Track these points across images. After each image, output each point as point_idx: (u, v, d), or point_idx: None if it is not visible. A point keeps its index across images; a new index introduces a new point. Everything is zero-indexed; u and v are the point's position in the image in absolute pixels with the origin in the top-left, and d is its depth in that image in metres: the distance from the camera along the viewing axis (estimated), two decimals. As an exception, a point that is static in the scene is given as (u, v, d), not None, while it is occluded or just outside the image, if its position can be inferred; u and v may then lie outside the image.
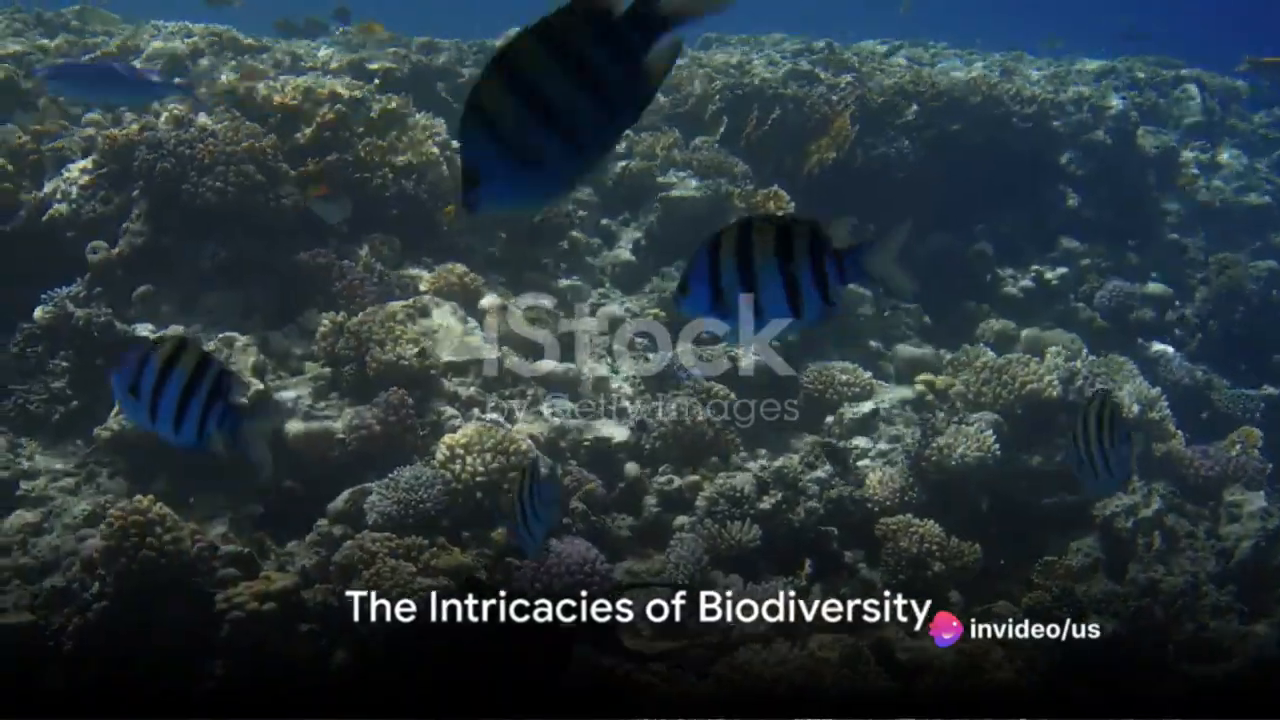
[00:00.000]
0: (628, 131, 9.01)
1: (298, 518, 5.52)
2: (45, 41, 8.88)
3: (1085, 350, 8.55)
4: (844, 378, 7.22)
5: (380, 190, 7.02)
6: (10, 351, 6.28)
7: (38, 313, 6.19)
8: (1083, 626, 5.46)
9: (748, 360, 7.25)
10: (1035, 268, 10.17)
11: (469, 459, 5.27)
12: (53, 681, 4.83)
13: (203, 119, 6.33)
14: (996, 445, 6.20)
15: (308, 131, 6.90)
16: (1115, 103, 11.29)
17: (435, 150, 7.31)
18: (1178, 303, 10.27)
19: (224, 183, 6.15)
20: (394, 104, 7.29)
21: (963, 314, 9.38)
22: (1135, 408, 6.62)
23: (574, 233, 7.91)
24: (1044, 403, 6.56)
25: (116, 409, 5.56)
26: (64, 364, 6.12)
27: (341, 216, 6.41)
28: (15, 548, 5.27)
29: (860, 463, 6.31)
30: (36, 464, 5.83)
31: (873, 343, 8.34)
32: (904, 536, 5.61)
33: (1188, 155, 12.30)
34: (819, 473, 5.99)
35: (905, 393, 7.17)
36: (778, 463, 5.96)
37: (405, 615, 4.56)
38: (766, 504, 5.60)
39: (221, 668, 4.77)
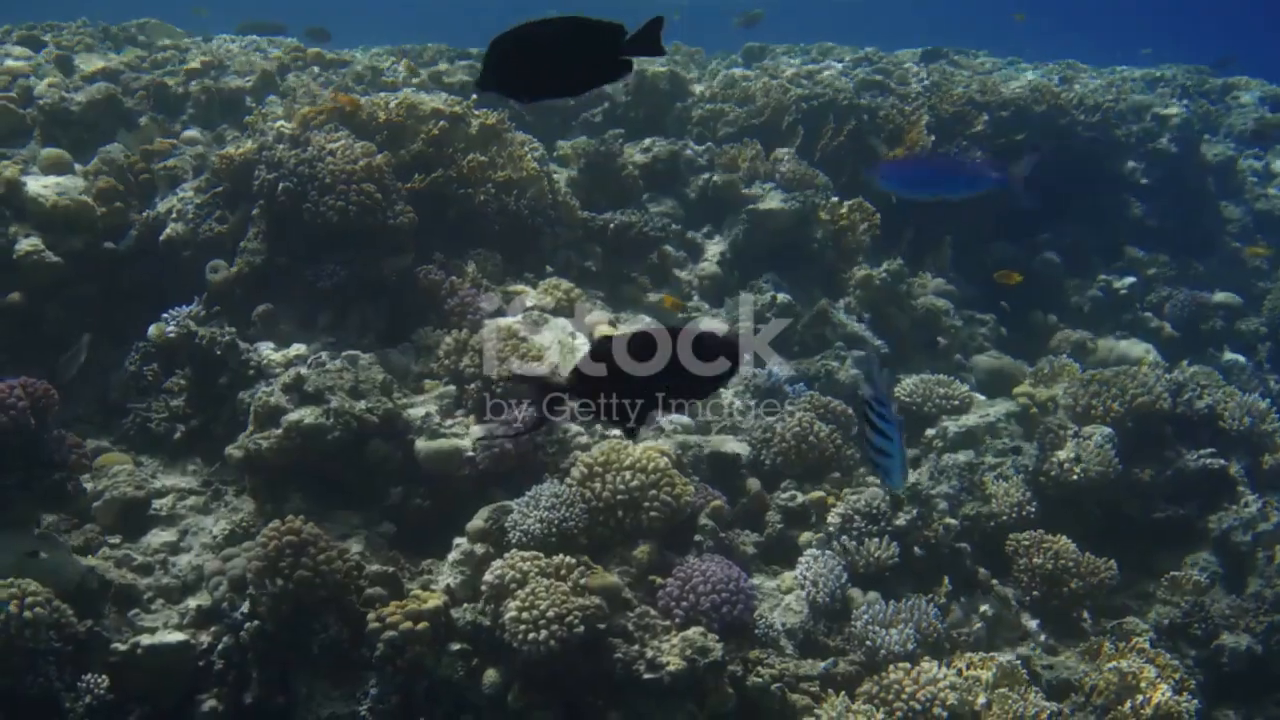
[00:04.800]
0: (709, 143, 9.06)
1: (428, 536, 5.54)
2: (117, 56, 8.91)
3: (1160, 360, 8.61)
4: (941, 390, 7.26)
5: (483, 206, 7.05)
6: (127, 370, 6.31)
7: (154, 330, 6.22)
8: (1220, 644, 5.52)
9: (846, 372, 7.30)
10: (1103, 277, 10.20)
11: (609, 476, 5.29)
12: (209, 703, 4.86)
13: (318, 138, 6.35)
14: (1118, 460, 6.22)
15: (413, 148, 6.92)
16: (1177, 110, 11.32)
17: (535, 165, 7.34)
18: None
19: (345, 201, 6.17)
20: (493, 119, 7.31)
21: (1030, 325, 9.41)
22: (1247, 420, 6.62)
23: (665, 246, 7.94)
24: (1153, 414, 6.57)
25: (250, 429, 5.57)
26: (182, 382, 6.15)
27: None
28: (157, 567, 5.29)
29: (974, 478, 6.32)
30: (162, 483, 5.85)
31: (956, 356, 8.38)
32: (1037, 552, 5.63)
33: (1243, 164, 12.31)
34: (945, 488, 6.01)
35: (1007, 405, 7.19)
36: (910, 478, 5.97)
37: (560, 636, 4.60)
38: (902, 520, 5.62)
39: (376, 686, 4.79)
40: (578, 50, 2.71)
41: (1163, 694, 4.65)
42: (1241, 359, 9.71)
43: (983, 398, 7.43)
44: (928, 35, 12.61)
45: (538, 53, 2.72)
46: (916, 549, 5.60)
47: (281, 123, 6.77)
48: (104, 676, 4.67)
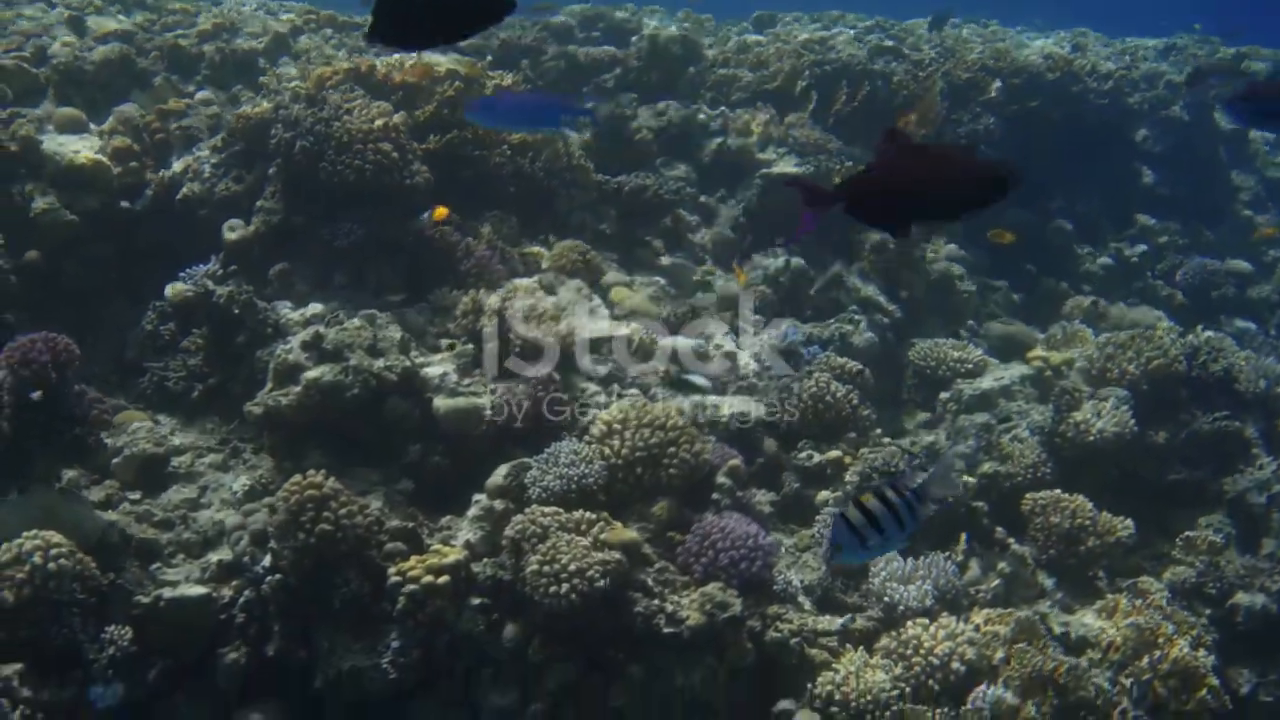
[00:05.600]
0: (722, 107, 9.03)
1: (446, 493, 5.56)
2: (127, 19, 8.86)
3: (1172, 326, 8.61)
4: (956, 354, 7.26)
5: (498, 168, 7.04)
6: (144, 329, 6.31)
7: (171, 290, 6.22)
8: (1235, 603, 5.55)
9: (860, 336, 7.30)
10: (1114, 245, 10.20)
11: (627, 434, 5.30)
12: (230, 656, 4.88)
13: (334, 97, 6.33)
14: (1134, 421, 6.23)
15: (428, 109, 6.91)
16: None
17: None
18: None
19: (363, 161, 6.16)
20: (508, 80, 7.30)
21: (1042, 291, 9.41)
22: (1262, 383, 6.62)
23: (679, 210, 7.94)
24: (1169, 377, 6.58)
25: (269, 386, 5.58)
26: (199, 341, 6.15)
27: None
28: (177, 522, 5.31)
29: (991, 438, 6.33)
30: (180, 440, 5.86)
31: (969, 321, 8.38)
32: (1054, 511, 5.64)
33: (1255, 133, 12.26)
34: (963, 448, 6.02)
35: (1021, 369, 7.19)
36: (928, 438, 5.99)
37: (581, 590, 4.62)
38: (920, 479, 5.62)
39: (397, 640, 4.82)
40: None
41: (1180, 649, 4.67)
42: (1253, 326, 9.70)
43: (995, 361, 7.43)
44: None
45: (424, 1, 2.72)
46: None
47: (297, 83, 6.76)
48: (127, 628, 4.69)
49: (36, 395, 4.81)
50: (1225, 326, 9.45)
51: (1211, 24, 14.21)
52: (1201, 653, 4.75)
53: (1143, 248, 10.18)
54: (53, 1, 8.74)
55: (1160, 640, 4.73)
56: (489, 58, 7.75)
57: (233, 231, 6.29)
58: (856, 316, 7.41)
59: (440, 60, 7.23)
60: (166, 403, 6.16)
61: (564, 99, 6.02)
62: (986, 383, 6.97)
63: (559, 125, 5.92)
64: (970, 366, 7.19)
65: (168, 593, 4.92)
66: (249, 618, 4.96)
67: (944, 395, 6.99)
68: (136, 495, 5.42)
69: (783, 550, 5.47)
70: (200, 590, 4.97)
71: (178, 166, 6.66)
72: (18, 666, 4.42)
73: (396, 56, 7.24)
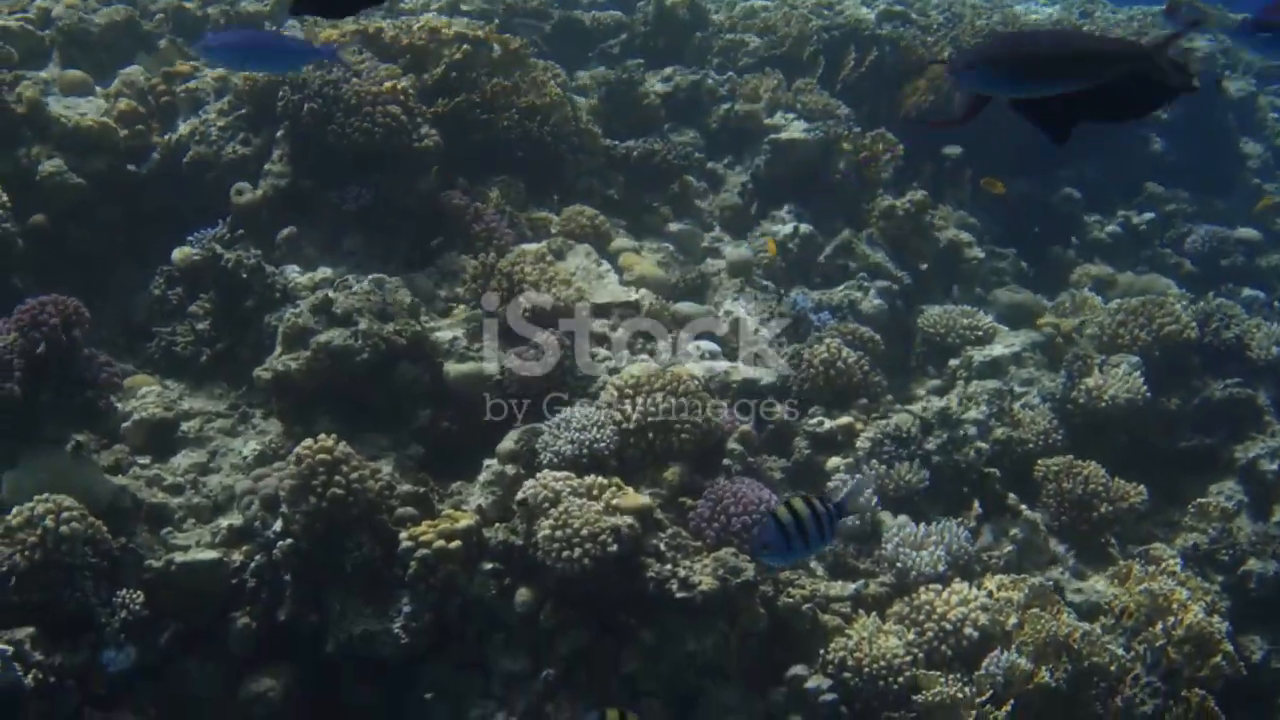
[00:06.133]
0: (730, 73, 8.95)
1: (456, 458, 5.54)
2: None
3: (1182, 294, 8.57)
4: (965, 321, 7.22)
5: (506, 132, 6.99)
6: (151, 293, 6.28)
7: (179, 254, 6.17)
8: (1247, 569, 5.54)
9: (869, 303, 7.25)
10: (1123, 213, 10.13)
11: (639, 399, 5.27)
12: (242, 620, 4.88)
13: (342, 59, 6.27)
14: (1145, 387, 6.21)
15: (436, 72, 6.85)
16: (1202, 44, 11.18)
17: (558, 91, 7.26)
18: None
19: (371, 123, 6.11)
20: (516, 44, 7.23)
21: (1049, 260, 9.35)
22: (1274, 350, 6.59)
23: (686, 176, 7.88)
24: (1181, 344, 6.55)
25: (279, 350, 5.55)
26: (207, 305, 6.11)
27: None
28: (188, 487, 5.30)
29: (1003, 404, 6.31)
30: (189, 405, 5.83)
31: (976, 290, 8.34)
32: (1066, 477, 5.63)
33: (1264, 100, 12.19)
34: (974, 414, 6.00)
35: (1031, 335, 7.16)
36: (939, 403, 5.96)
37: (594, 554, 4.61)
38: (932, 445, 5.62)
39: (409, 604, 4.81)
40: None
41: (1194, 615, 4.67)
42: (1260, 295, 9.66)
43: (1006, 329, 7.40)
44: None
45: None
46: (946, 474, 5.60)
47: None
48: (139, 593, 4.68)
49: (41, 349, 4.77)
50: (1234, 295, 9.42)
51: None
52: (1216, 619, 4.75)
53: (1151, 215, 10.12)
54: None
55: (1174, 606, 4.73)
56: (496, 21, 7.67)
57: (240, 195, 6.24)
58: (865, 283, 7.37)
59: (448, 23, 7.16)
60: (174, 367, 6.12)
61: (300, 43, 5.92)
62: (997, 349, 6.94)
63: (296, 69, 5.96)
64: (980, 333, 7.15)
65: (179, 557, 4.91)
66: (260, 582, 4.95)
67: (954, 362, 6.96)
68: (146, 460, 5.40)
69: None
70: (211, 555, 4.96)
71: (184, 129, 6.60)
72: (30, 630, 4.43)
73: (404, 19, 7.17)
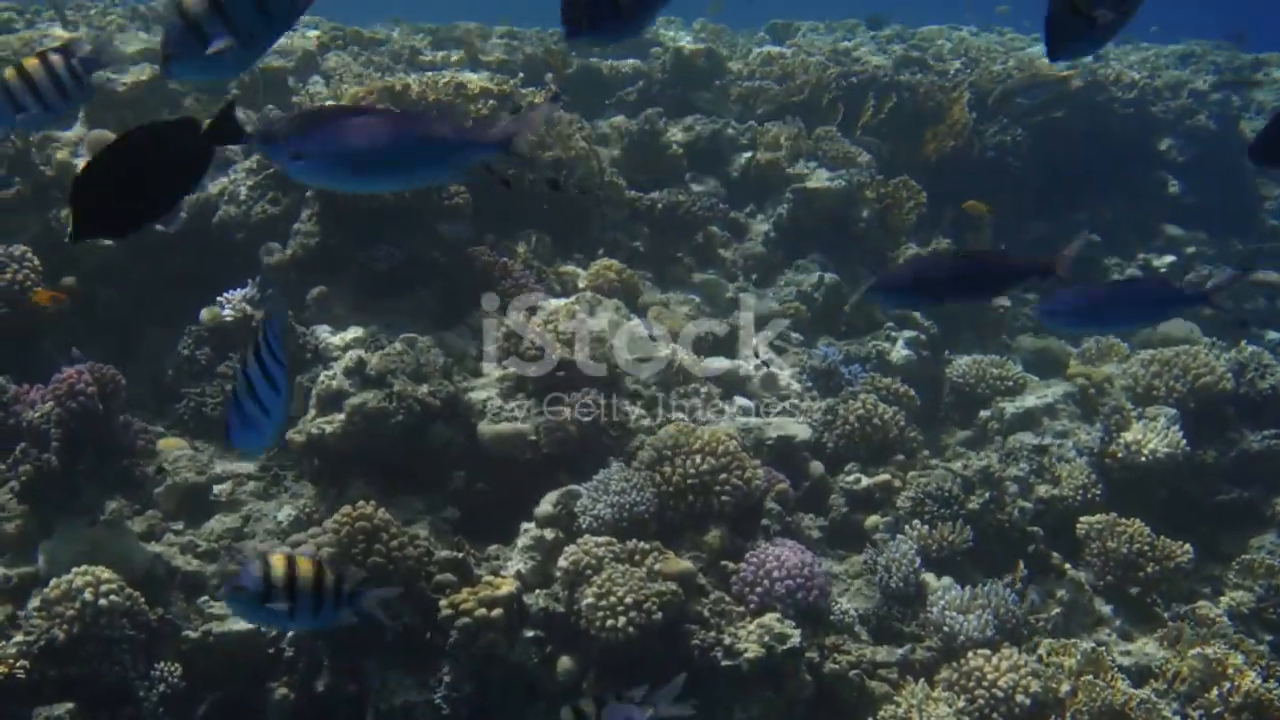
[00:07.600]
0: (751, 122, 8.95)
1: (492, 521, 5.48)
2: (149, 35, 8.77)
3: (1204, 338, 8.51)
4: (995, 371, 7.18)
5: (532, 186, 6.97)
6: (180, 354, 6.24)
7: (207, 314, 6.15)
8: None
9: (898, 353, 7.22)
10: (1142, 256, 10.11)
11: (678, 460, 5.22)
12: (280, 691, 4.80)
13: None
14: (1184, 440, 6.15)
15: (462, 127, 6.83)
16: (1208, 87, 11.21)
17: (584, 144, 7.25)
18: None
19: (402, 182, 6.08)
20: (539, 98, 7.22)
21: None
22: (1312, 400, 6.55)
23: (711, 226, 7.87)
24: (1216, 395, 6.50)
25: (312, 414, 5.50)
26: (237, 365, 6.06)
27: None
28: (222, 553, 5.23)
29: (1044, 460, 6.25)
30: (220, 468, 5.78)
31: (1002, 336, 8.31)
32: (1111, 536, 5.56)
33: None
34: (1015, 470, 5.94)
35: (1063, 386, 7.11)
36: (981, 461, 5.91)
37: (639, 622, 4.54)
38: (975, 504, 5.56)
39: (450, 674, 4.74)
40: (163, 159, 2.57)
41: (1252, 681, 4.59)
42: (1282, 338, 9.61)
43: (1036, 379, 7.35)
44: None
45: (127, 178, 2.54)
46: (988, 533, 5.53)
47: (330, 103, 6.68)
48: (177, 665, 4.61)
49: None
50: (1258, 339, 9.37)
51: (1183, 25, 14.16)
52: (1273, 683, 4.67)
53: (1171, 258, 10.10)
54: (72, 20, 8.67)
55: (1230, 671, 4.65)
56: (520, 74, 7.67)
57: (270, 255, 6.21)
58: (893, 333, 7.34)
59: (473, 78, 7.15)
60: (204, 428, 6.07)
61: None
62: (1029, 400, 6.89)
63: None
64: (1010, 384, 7.10)
65: (216, 627, 4.84)
66: (298, 652, 4.87)
67: (984, 414, 6.91)
68: (179, 526, 5.34)
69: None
70: (246, 625, 4.88)
71: (213, 189, 6.57)
72: (69, 706, 4.37)
73: (430, 75, 7.16)
